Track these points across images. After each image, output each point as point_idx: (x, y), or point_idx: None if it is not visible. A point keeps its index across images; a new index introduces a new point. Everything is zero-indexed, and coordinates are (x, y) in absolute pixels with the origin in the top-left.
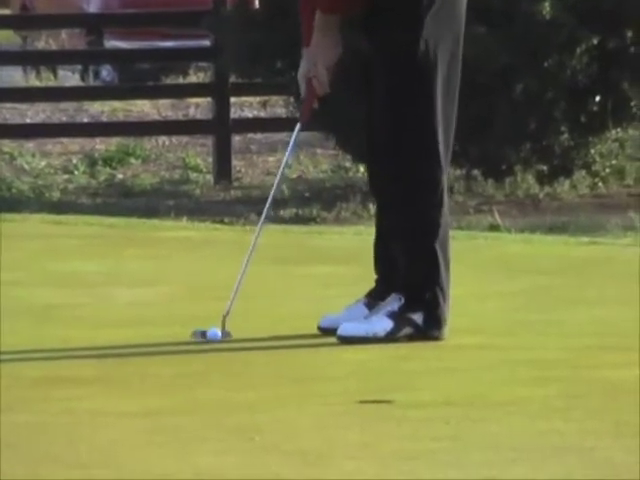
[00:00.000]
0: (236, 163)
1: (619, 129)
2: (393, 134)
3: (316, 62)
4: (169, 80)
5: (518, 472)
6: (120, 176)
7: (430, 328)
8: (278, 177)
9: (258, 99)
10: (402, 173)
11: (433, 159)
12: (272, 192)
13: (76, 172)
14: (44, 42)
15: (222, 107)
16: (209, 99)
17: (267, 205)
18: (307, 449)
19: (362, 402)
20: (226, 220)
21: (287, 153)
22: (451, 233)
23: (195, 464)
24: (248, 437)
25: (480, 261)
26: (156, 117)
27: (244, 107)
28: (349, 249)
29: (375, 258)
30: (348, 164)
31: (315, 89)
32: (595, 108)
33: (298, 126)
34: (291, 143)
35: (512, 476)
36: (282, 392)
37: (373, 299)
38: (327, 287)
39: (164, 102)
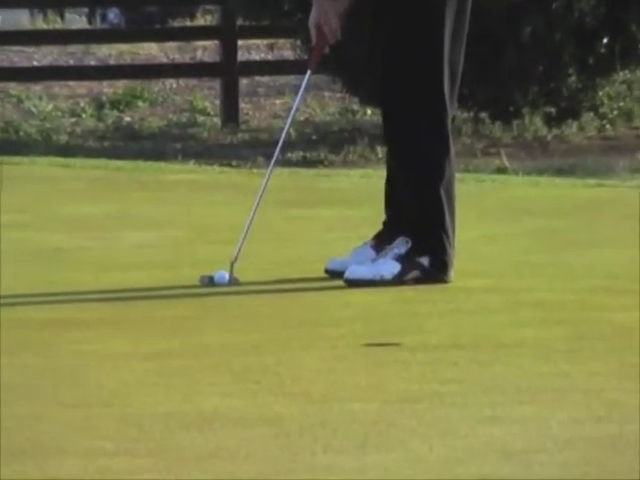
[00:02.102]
0: (243, 106)
1: (627, 71)
2: (399, 78)
3: (327, 9)
4: (176, 23)
5: (523, 413)
6: (127, 119)
7: (437, 271)
8: (288, 124)
9: (265, 42)
10: (408, 117)
11: (438, 104)
12: (282, 137)
13: (83, 115)
14: None
15: (229, 50)
16: (216, 42)
17: (277, 150)
18: (312, 391)
19: (369, 345)
20: (233, 163)
21: (297, 100)
22: (458, 176)
23: (200, 406)
24: (254, 379)
25: (487, 204)
26: (163, 60)
27: (251, 50)
28: (356, 192)
29: (385, 200)
30: (355, 107)
31: (326, 36)
32: (603, 50)
33: (308, 73)
34: (301, 90)
35: (517, 417)
36: (288, 335)
37: (380, 242)
38: (334, 230)
39: (171, 45)
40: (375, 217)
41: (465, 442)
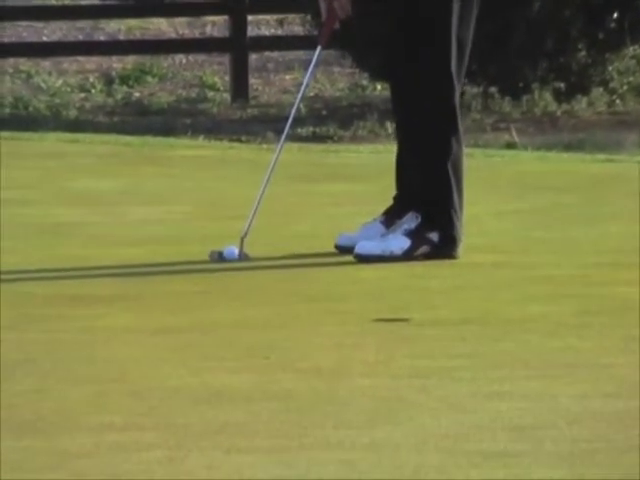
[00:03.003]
0: (253, 81)
1: (637, 46)
2: (407, 54)
3: None
4: None
5: (532, 388)
6: (137, 94)
7: (446, 247)
8: (298, 99)
9: (275, 17)
10: (415, 93)
11: (445, 80)
12: (292, 113)
13: (93, 91)
14: None
15: (239, 25)
16: (226, 17)
17: (287, 125)
18: (321, 367)
19: (378, 320)
20: (243, 138)
21: (307, 75)
22: (468, 151)
23: (209, 381)
24: (263, 355)
25: (496, 179)
26: (173, 35)
27: (261, 25)
28: (366, 167)
29: (397, 174)
30: (365, 82)
31: (336, 11)
32: (613, 25)
33: (318, 48)
34: (311, 65)
35: (526, 392)
36: (298, 311)
37: (390, 217)
38: (344, 205)
39: (181, 20)
40: (384, 192)
41: (474, 417)
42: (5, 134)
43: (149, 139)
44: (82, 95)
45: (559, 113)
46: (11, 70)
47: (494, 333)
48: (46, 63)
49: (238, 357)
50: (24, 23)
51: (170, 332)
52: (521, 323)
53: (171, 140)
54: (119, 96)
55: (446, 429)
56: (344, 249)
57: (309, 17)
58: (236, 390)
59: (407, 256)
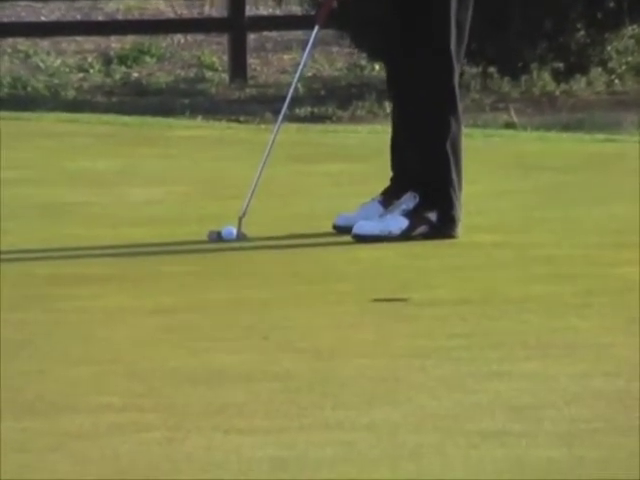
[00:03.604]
0: (251, 61)
1: (635, 25)
2: (405, 35)
3: None
4: None
5: (532, 368)
6: (135, 75)
7: (445, 226)
8: (296, 79)
9: None
10: (414, 73)
11: (444, 60)
12: (290, 93)
13: (91, 71)
14: None
15: (237, 5)
16: None
17: (285, 105)
18: (320, 347)
19: (376, 300)
20: (241, 119)
21: (304, 55)
22: (467, 131)
23: (208, 361)
24: (261, 335)
25: (496, 159)
26: (171, 15)
27: (259, 5)
28: (364, 147)
29: (392, 155)
30: (364, 62)
31: None
32: (611, 4)
33: (316, 28)
34: (309, 46)
35: (526, 372)
36: (296, 291)
37: (388, 197)
38: (342, 185)
39: (179, 0)
40: (383, 173)
41: (473, 397)
42: (3, 114)
43: (147, 119)
44: (80, 75)
45: (558, 93)
46: (9, 50)
47: (493, 313)
48: (44, 43)
49: (237, 337)
50: (22, 3)
51: (169, 312)
52: (521, 303)
53: (169, 120)
54: (117, 76)
55: (445, 409)
56: (342, 229)
57: None
58: (235, 371)
59: (405, 236)
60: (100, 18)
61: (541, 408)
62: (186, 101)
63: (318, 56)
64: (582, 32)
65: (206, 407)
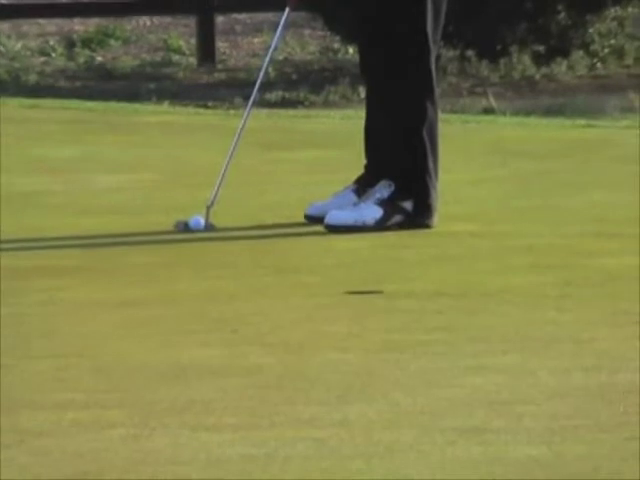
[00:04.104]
0: (220, 45)
1: (618, 7)
2: (379, 16)
3: None
4: None
5: (510, 362)
6: (99, 58)
7: (421, 216)
8: (266, 63)
9: None
10: (388, 56)
11: (420, 43)
12: (260, 77)
13: (53, 54)
14: None
15: None
16: None
17: (255, 90)
18: (291, 341)
19: (350, 293)
20: (210, 104)
21: (275, 38)
22: (443, 117)
23: (175, 356)
24: (230, 329)
25: (473, 145)
26: None
27: None
28: (337, 133)
29: (365, 142)
30: (337, 45)
31: None
32: None
33: (287, 10)
34: (280, 28)
35: (504, 367)
36: (266, 283)
37: (362, 186)
38: (314, 173)
39: None
40: (357, 160)
41: (450, 393)
42: None
43: (112, 105)
44: (42, 59)
45: (538, 77)
46: None
47: (471, 305)
48: (5, 26)
49: (204, 331)
50: None
51: (134, 305)
52: (500, 295)
53: (135, 106)
54: (81, 60)
55: (421, 405)
56: (314, 219)
57: None
58: (203, 365)
59: (380, 226)
60: (63, 0)
61: (520, 404)
62: (152, 86)
63: (290, 39)
64: (563, 14)
65: (173, 403)
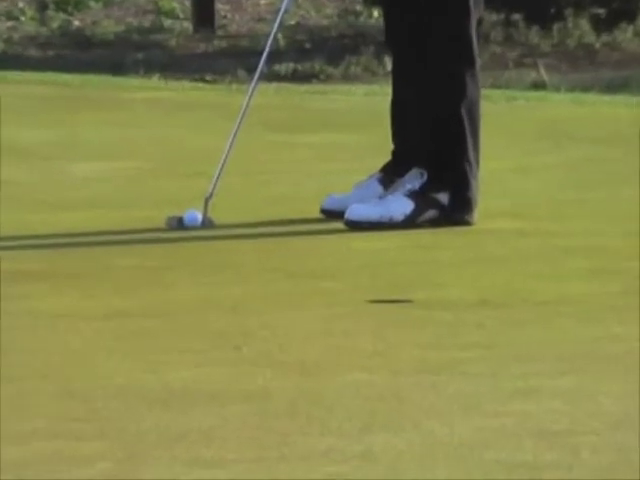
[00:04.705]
0: (220, 7)
1: None
2: None
3: None
4: None
5: (566, 385)
6: (76, 23)
7: (458, 210)
8: (275, 29)
9: None
10: (419, 23)
11: (459, 5)
12: (268, 46)
13: (22, 18)
14: None
15: None
16: None
17: (262, 61)
18: (305, 359)
19: (375, 302)
20: (208, 78)
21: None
22: (486, 93)
23: (166, 377)
24: (233, 345)
25: (521, 127)
26: None
27: None
28: (360, 113)
29: (393, 123)
30: (358, 8)
31: None
32: None
33: None
34: None
35: (559, 390)
36: (276, 290)
37: (389, 175)
38: (332, 160)
39: None
40: (383, 144)
41: (494, 421)
42: None
43: (91, 78)
44: (10, 24)
45: (598, 45)
46: None
47: (518, 317)
48: None
49: (202, 348)
50: None
51: (119, 317)
52: (552, 305)
53: (119, 79)
54: (55, 25)
55: (459, 436)
56: (332, 214)
57: None
58: (200, 389)
59: (410, 222)
60: None
61: (578, 434)
62: (140, 56)
63: (303, 0)
64: None
65: (164, 433)
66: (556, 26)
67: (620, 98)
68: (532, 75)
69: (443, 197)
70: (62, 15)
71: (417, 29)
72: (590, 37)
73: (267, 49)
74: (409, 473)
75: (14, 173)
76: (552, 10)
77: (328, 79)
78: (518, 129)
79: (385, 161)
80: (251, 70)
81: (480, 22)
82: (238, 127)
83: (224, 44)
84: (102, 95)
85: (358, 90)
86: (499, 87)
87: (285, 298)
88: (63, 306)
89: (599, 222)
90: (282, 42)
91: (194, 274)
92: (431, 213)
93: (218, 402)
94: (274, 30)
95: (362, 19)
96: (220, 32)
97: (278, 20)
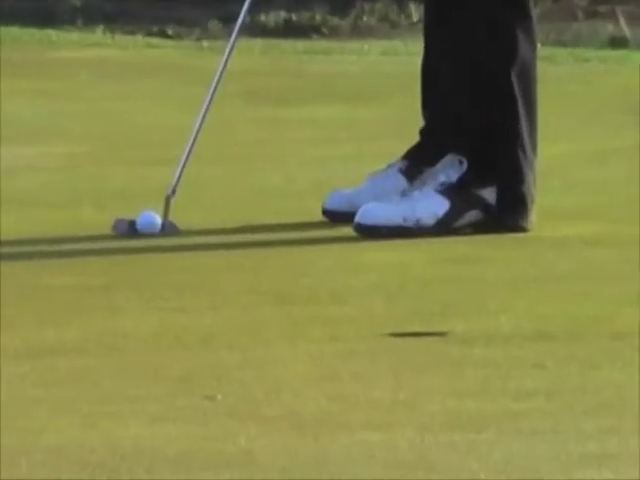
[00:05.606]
0: None
1: None
2: None
3: None
4: None
5: None
6: None
7: (509, 211)
8: None
9: None
10: None
11: None
12: None
13: None
14: None
15: None
16: None
17: (243, 10)
18: (301, 412)
19: (395, 335)
20: (169, 31)
21: None
22: (546, 53)
23: (113, 435)
24: (204, 393)
25: (594, 97)
26: None
27: None
28: (375, 78)
29: (423, 94)
30: None
31: None
32: None
33: None
34: None
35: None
36: (261, 318)
37: (416, 163)
38: (337, 142)
39: None
40: (407, 121)
41: None
42: None
43: (15, 31)
44: None
45: None
46: None
47: (589, 354)
48: None
49: (162, 396)
50: None
51: (49, 355)
52: (632, 339)
53: (50, 33)
54: None
55: None
56: (338, 216)
57: None
58: (159, 451)
59: (445, 227)
60: None
61: None
62: (77, 2)
63: None
64: None
65: None
66: None
67: None
68: (609, 29)
69: (489, 193)
70: None
71: None
72: None
73: None
74: None
75: None
76: None
77: (333, 33)
78: (590, 101)
79: (410, 144)
80: (228, 21)
81: None
82: (211, 99)
83: None
84: (28, 55)
85: (373, 48)
86: (565, 45)
87: (274, 329)
88: None
89: None
90: None
91: (150, 297)
92: (472, 215)
93: (183, 469)
94: None
95: None
96: None
97: None
